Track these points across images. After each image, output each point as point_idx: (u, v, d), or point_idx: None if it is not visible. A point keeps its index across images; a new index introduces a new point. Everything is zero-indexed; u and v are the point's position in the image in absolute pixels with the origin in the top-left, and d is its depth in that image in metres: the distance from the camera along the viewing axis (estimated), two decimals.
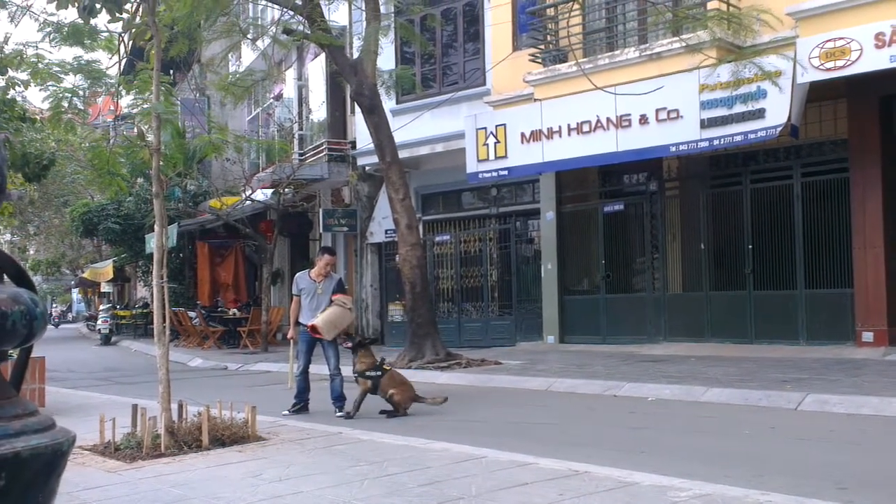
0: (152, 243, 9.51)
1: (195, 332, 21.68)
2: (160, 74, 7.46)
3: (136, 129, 9.31)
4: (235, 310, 21.93)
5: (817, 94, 11.70)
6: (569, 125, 13.70)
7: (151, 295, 9.28)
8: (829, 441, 6.69)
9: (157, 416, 6.66)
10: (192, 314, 21.82)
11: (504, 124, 14.68)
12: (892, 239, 11.95)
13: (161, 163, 7.60)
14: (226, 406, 7.08)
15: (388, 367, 8.96)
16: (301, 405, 9.28)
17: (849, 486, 5.04)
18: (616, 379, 10.26)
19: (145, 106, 8.23)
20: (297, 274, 9.84)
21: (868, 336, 11.73)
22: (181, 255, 25.79)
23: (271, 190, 20.62)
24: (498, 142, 14.72)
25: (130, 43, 9.72)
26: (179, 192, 23.51)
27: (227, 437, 6.68)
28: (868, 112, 11.98)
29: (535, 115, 14.16)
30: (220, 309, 22.65)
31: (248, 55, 20.36)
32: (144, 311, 27.93)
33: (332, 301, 9.15)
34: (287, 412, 9.11)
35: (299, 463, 5.92)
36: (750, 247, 13.22)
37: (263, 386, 12.79)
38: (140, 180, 24.87)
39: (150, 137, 7.65)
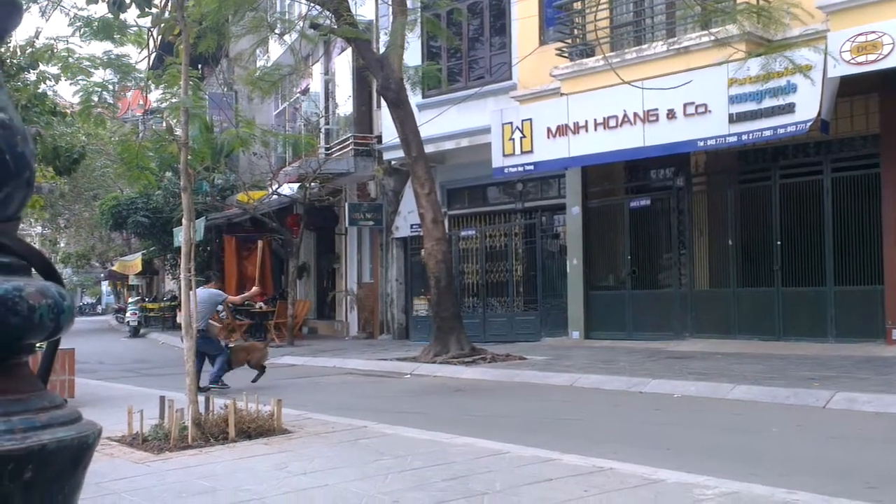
0: (180, 237, 9.59)
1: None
2: (189, 69, 7.50)
3: (164, 124, 9.40)
4: (262, 303, 22.06)
5: (848, 89, 11.54)
6: (595, 120, 13.63)
7: (179, 288, 9.36)
8: (857, 440, 6.62)
9: (184, 408, 6.72)
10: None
11: (530, 119, 14.63)
12: None
13: (189, 157, 7.66)
14: (252, 399, 7.13)
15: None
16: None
17: (877, 485, 4.97)
18: (641, 375, 10.21)
19: (174, 100, 8.28)
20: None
21: None
22: (209, 248, 25.97)
23: (297, 184, 20.72)
24: (524, 136, 14.67)
25: (159, 38, 9.78)
26: (207, 186, 23.66)
27: (254, 429, 6.73)
28: None
29: (561, 110, 14.10)
30: (246, 302, 22.76)
31: (275, 50, 20.45)
32: (172, 303, 28.16)
33: None
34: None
35: (324, 456, 5.95)
36: (778, 243, 13.08)
37: (289, 379, 12.87)
38: (168, 174, 24.99)
39: (179, 132, 7.71)
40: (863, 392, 8.10)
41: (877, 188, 12.02)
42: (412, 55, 16.13)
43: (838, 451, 6.23)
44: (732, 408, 8.26)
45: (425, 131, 15.07)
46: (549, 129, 14.28)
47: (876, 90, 11.86)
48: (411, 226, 18.42)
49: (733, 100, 12.07)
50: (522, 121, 14.73)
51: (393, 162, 18.77)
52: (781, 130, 11.68)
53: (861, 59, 10.78)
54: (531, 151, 14.60)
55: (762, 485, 4.73)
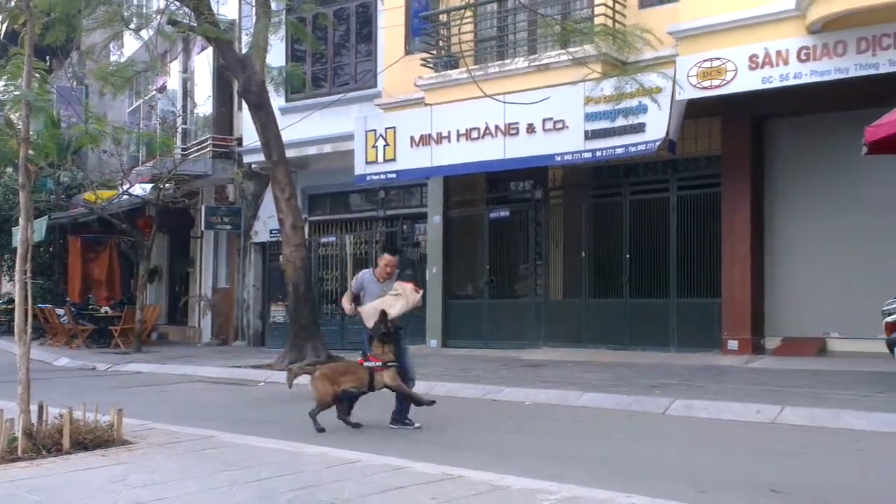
0: (18, 237, 9.04)
1: (63, 330, 20.66)
2: (33, 60, 7.09)
3: (3, 117, 8.81)
4: (108, 308, 21.04)
5: (695, 111, 12.19)
6: (458, 131, 13.82)
7: (15, 290, 8.81)
8: (692, 445, 6.96)
9: (14, 418, 6.31)
10: (60, 311, 20.78)
11: (394, 127, 14.67)
12: (758, 252, 12.57)
13: (31, 152, 7.24)
14: (90, 408, 6.77)
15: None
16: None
17: (708, 488, 5.25)
18: (495, 383, 10.39)
19: (16, 93, 7.80)
20: (362, 272, 8.71)
21: (733, 344, 12.29)
22: (51, 249, 24.59)
23: (151, 185, 19.93)
24: (387, 144, 14.70)
25: (3, 26, 9.21)
26: (52, 183, 22.42)
27: (91, 440, 6.39)
28: (740, 130, 12.56)
29: (424, 120, 14.21)
30: (91, 306, 21.67)
31: (130, 44, 19.62)
32: (9, 307, 26.43)
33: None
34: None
35: (166, 468, 5.72)
36: (627, 256, 13.63)
37: (133, 387, 12.33)
38: (9, 170, 23.57)
39: (20, 126, 7.26)
40: (699, 399, 8.55)
41: (717, 207, 12.73)
42: (276, 58, 15.84)
43: (674, 455, 6.53)
44: (580, 415, 8.54)
45: (287, 135, 14.84)
46: (412, 139, 14.37)
47: (719, 113, 12.58)
48: (270, 231, 18.08)
49: (589, 117, 12.52)
50: (386, 129, 14.75)
51: (253, 165, 18.39)
52: (633, 149, 12.20)
53: (706, 83, 11.43)
54: (394, 160, 14.64)
55: (603, 489, 4.89)
